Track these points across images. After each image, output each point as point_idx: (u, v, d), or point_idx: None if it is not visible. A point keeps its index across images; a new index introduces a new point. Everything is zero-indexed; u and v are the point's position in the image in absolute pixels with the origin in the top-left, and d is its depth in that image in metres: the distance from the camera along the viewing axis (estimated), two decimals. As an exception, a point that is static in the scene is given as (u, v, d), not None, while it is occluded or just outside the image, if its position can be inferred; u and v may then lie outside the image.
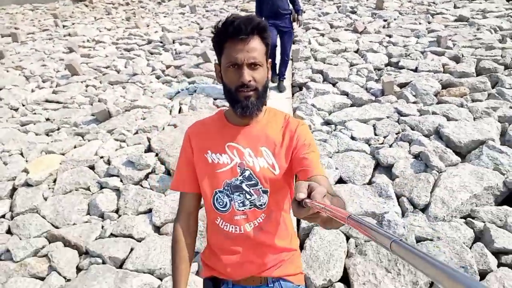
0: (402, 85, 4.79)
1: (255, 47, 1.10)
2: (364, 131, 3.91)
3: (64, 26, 10.80)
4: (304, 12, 8.21)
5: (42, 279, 2.73)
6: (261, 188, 1.18)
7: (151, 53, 7.37)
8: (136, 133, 4.40)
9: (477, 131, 3.53)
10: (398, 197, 3.00)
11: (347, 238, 2.66)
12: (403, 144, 3.58)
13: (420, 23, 7.25)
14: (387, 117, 4.11)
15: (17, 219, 3.26)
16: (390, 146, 3.62)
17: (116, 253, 2.77)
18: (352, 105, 4.56)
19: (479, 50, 5.53)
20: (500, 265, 2.35)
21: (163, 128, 4.46)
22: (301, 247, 2.62)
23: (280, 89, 5.30)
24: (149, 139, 4.18)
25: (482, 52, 5.43)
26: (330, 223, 0.87)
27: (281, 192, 1.24)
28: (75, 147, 4.29)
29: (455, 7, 8.23)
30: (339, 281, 2.40)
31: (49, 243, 3.00)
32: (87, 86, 6.08)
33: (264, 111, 1.26)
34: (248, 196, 1.19)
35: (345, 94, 4.78)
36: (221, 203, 1.21)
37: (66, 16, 12.31)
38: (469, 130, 3.55)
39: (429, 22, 7.31)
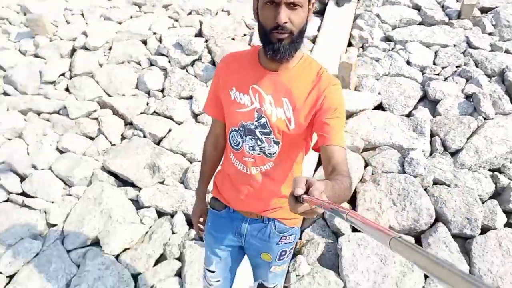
0: (484, 10, 4.23)
1: None
2: (423, 57, 3.65)
3: None
4: None
5: (92, 139, 3.14)
6: (273, 138, 1.17)
7: None
8: (190, 13, 4.37)
9: (546, 83, 3.21)
10: (432, 135, 2.96)
11: (366, 166, 2.76)
12: (459, 80, 3.36)
13: None
14: (454, 45, 3.77)
15: (75, 80, 3.60)
16: (445, 79, 3.41)
17: (156, 130, 3.07)
18: (420, 23, 4.17)
19: None
20: (506, 225, 2.41)
21: (216, 13, 4.38)
22: (318, 163, 2.77)
23: (339, 3, 4.37)
24: (201, 23, 4.16)
25: None
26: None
27: (295, 146, 1.23)
28: (131, 17, 4.39)
29: None
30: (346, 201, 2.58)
31: (100, 108, 3.34)
32: None
33: (299, 59, 1.16)
34: (259, 143, 1.19)
35: (417, 8, 4.32)
36: (234, 141, 1.23)
37: None
38: (538, 80, 3.23)
39: None
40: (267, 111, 1.15)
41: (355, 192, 2.62)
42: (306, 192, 0.71)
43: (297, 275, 2.18)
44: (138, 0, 4.63)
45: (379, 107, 3.26)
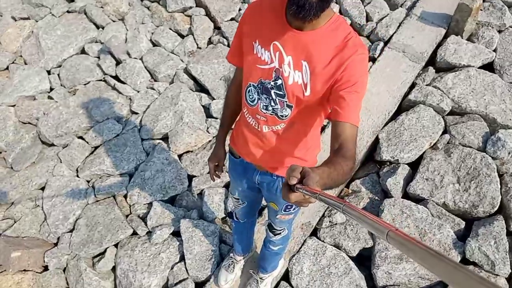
0: None
1: None
2: None
3: None
4: None
5: (182, 36, 3.26)
6: (286, 102, 1.15)
7: None
8: None
9: None
10: None
11: (444, 132, 2.54)
12: None
13: None
14: None
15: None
16: None
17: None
18: None
19: None
20: None
21: None
22: (394, 117, 2.61)
23: None
24: None
25: None
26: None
27: (308, 112, 1.20)
28: None
29: None
30: (407, 164, 2.48)
31: (196, 6, 3.37)
32: None
33: (328, 19, 1.06)
34: (272, 104, 1.18)
35: None
36: (251, 97, 1.23)
37: None
38: None
39: None
40: (284, 72, 1.12)
41: (420, 157, 2.48)
42: (301, 182, 0.71)
43: (330, 222, 2.28)
44: None
45: (489, 66, 2.81)
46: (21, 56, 3.24)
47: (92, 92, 2.96)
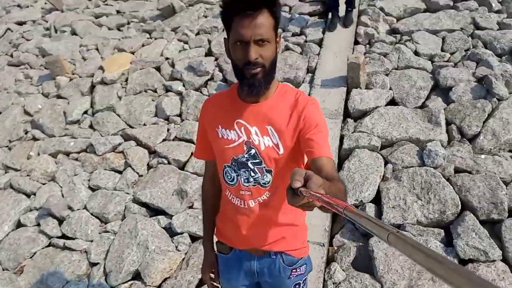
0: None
1: (263, 22, 1.05)
2: (431, 45, 3.66)
3: None
4: None
5: (120, 172, 3.30)
6: (264, 167, 1.20)
7: None
8: (198, 33, 4.52)
9: (561, 54, 3.16)
10: (448, 124, 2.98)
11: (386, 163, 2.81)
12: (469, 64, 3.35)
13: None
14: (461, 29, 3.75)
15: (97, 116, 3.80)
16: (455, 65, 3.41)
17: (179, 156, 3.21)
18: (425, 11, 4.16)
19: None
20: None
21: (223, 30, 4.50)
22: (339, 167, 2.84)
23: (345, 23, 4.15)
24: (209, 41, 4.30)
25: None
26: (326, 211, 0.89)
27: (288, 171, 1.19)
28: (143, 45, 4.57)
29: None
30: (370, 202, 2.64)
31: (124, 141, 3.51)
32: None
33: (275, 88, 1.23)
34: (252, 174, 1.21)
35: (420, -4, 4.31)
36: (229, 177, 1.26)
37: None
38: (551, 52, 3.19)
39: None
40: (255, 141, 1.20)
41: (378, 192, 2.67)
42: (305, 185, 0.71)
43: (334, 283, 2.25)
44: (148, 27, 4.81)
45: (392, 102, 3.29)
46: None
47: (42, 262, 2.74)
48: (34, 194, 3.23)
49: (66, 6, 5.76)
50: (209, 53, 4.20)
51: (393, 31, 4.03)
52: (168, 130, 3.52)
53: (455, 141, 2.85)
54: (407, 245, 0.43)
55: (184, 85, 3.86)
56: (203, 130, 1.33)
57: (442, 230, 2.40)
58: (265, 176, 1.22)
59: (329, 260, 2.43)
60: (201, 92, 3.78)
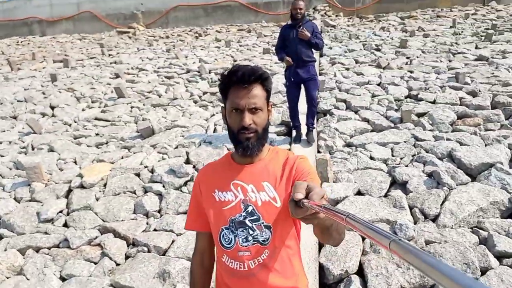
0: (419, 115, 5.17)
1: (256, 93, 1.19)
2: (382, 153, 4.29)
3: (109, 55, 11.83)
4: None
5: (95, 263, 3.16)
6: (263, 223, 1.23)
7: (189, 81, 8.08)
8: (176, 147, 4.93)
9: (487, 155, 3.85)
10: (411, 208, 3.33)
11: (363, 239, 3.00)
12: (418, 164, 3.94)
13: (441, 61, 7.68)
14: (404, 141, 4.49)
15: (73, 215, 3.76)
16: (406, 166, 3.98)
17: (160, 243, 3.20)
18: (372, 131, 4.97)
19: (496, 86, 5.88)
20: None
21: (200, 144, 4.97)
22: (320, 246, 2.98)
23: (308, 140, 4.83)
24: (187, 153, 4.69)
25: (498, 88, 5.78)
26: (328, 233, 0.95)
27: (285, 227, 1.27)
28: (122, 157, 4.85)
29: (476, 47, 8.64)
30: (355, 273, 2.73)
31: (101, 234, 3.45)
32: (132, 107, 6.76)
33: (268, 150, 1.34)
34: (251, 232, 1.23)
35: (366, 120, 5.19)
36: (226, 240, 1.26)
37: (111, 46, 13.47)
38: (480, 154, 3.88)
39: (450, 61, 7.73)
40: (251, 198, 1.24)
41: (361, 265, 2.79)
42: (307, 197, 0.73)
43: None
44: (127, 144, 5.17)
45: (359, 193, 3.66)
46: None
47: None
48: (-4, 288, 2.95)
49: (45, 130, 6.10)
50: (187, 162, 4.54)
51: (348, 145, 4.68)
52: (147, 223, 3.55)
53: (420, 221, 3.17)
54: (409, 253, 0.43)
55: (163, 186, 4.05)
56: (196, 200, 1.37)
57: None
58: (264, 233, 1.23)
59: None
60: (181, 191, 3.97)
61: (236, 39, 13.10)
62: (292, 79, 4.65)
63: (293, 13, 4.56)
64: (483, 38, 9.22)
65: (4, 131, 6.28)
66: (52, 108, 7.12)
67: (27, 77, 9.98)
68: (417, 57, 8.22)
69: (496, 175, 3.56)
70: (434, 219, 3.19)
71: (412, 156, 4.17)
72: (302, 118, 4.94)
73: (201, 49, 11.86)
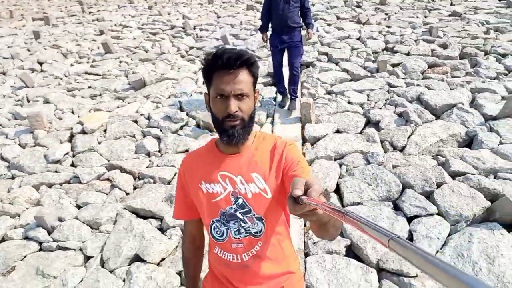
0: (394, 65, 5.61)
1: (243, 79, 1.13)
2: (359, 98, 4.74)
3: (90, 13, 11.68)
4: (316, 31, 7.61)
5: (106, 194, 3.56)
6: (254, 215, 1.20)
7: (174, 37, 8.23)
8: (169, 97, 5.25)
9: (451, 97, 4.35)
10: (382, 141, 3.83)
11: (340, 166, 3.49)
12: (390, 107, 4.41)
13: (417, 17, 8.05)
14: (379, 88, 4.94)
15: (79, 156, 4.11)
16: (380, 108, 4.44)
17: (164, 175, 3.61)
18: (351, 80, 5.39)
19: (465, 39, 6.33)
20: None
21: (191, 95, 5.31)
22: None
23: (289, 108, 4.77)
24: (180, 102, 5.03)
25: (467, 41, 6.24)
26: (324, 229, 0.93)
27: (276, 217, 1.25)
28: (118, 107, 5.14)
29: (451, 4, 9.02)
30: (333, 192, 3.23)
31: (108, 171, 3.83)
32: (120, 62, 6.94)
33: (254, 137, 1.28)
34: (242, 224, 1.21)
35: (346, 71, 5.60)
36: (218, 232, 1.24)
37: (90, 3, 13.21)
38: (444, 97, 4.37)
39: (425, 17, 8.12)
40: (241, 190, 1.21)
41: (338, 186, 3.29)
42: (305, 193, 0.72)
43: (313, 243, 2.68)
44: (121, 95, 5.45)
45: (337, 132, 4.13)
46: None
47: (35, 261, 2.81)
48: (19, 216, 3.33)
49: (37, 84, 6.27)
50: (181, 110, 4.88)
51: (329, 93, 5.10)
52: (150, 161, 3.94)
53: (389, 152, 3.67)
54: (407, 250, 0.44)
55: (161, 130, 4.41)
56: (182, 189, 1.32)
57: (391, 203, 3.03)
58: (256, 225, 1.22)
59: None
60: (178, 134, 4.35)
61: (218, -4, 13.06)
62: (278, 47, 4.62)
63: None
64: (457, -6, 9.61)
65: (-5, 86, 6.41)
66: (40, 64, 7.22)
67: (7, 35, 9.86)
68: (395, 13, 8.56)
69: (457, 113, 4.07)
70: (401, 150, 3.70)
71: (386, 100, 4.63)
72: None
73: (184, 6, 11.83)
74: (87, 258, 2.83)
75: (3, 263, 2.81)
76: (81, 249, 2.89)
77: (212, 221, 1.24)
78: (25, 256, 2.88)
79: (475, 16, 7.61)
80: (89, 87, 6.04)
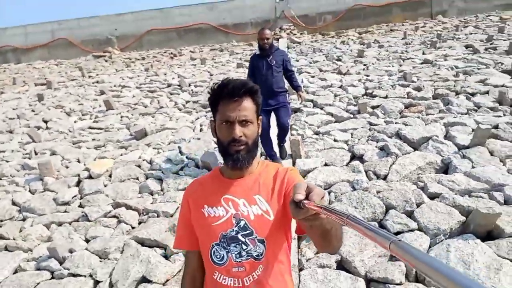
0: (374, 107, 6.15)
1: (247, 106, 1.20)
2: (344, 136, 5.19)
3: (89, 77, 12.45)
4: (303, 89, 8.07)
5: (113, 229, 3.82)
6: (256, 237, 1.20)
7: (171, 94, 8.85)
8: (169, 143, 5.66)
9: (426, 131, 4.80)
10: (366, 171, 4.20)
11: (329, 193, 3.82)
12: (372, 142, 4.84)
13: (393, 66, 8.82)
14: (361, 127, 5.41)
15: (87, 197, 4.41)
16: (363, 144, 4.87)
17: (167, 209, 3.90)
18: (335, 122, 5.88)
19: (437, 82, 6.98)
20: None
21: (190, 141, 5.72)
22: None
23: (282, 156, 4.84)
24: (179, 147, 5.42)
25: (439, 83, 6.88)
26: (327, 239, 0.94)
27: (278, 241, 1.25)
28: (121, 154, 5.52)
29: (423, 53, 9.88)
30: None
31: (114, 209, 4.11)
32: (121, 117, 7.44)
33: (257, 164, 1.32)
34: (244, 247, 1.20)
35: (330, 114, 6.11)
36: (218, 256, 1.23)
37: (89, 69, 14.07)
38: (420, 131, 4.83)
39: (400, 65, 8.88)
40: (243, 213, 1.22)
41: (327, 210, 3.60)
42: (307, 198, 0.73)
43: (306, 260, 2.94)
44: (123, 144, 5.85)
45: (325, 165, 4.50)
46: None
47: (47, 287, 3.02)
48: (31, 250, 3.55)
49: (44, 139, 6.67)
50: (181, 154, 5.27)
51: (316, 133, 5.56)
52: (153, 198, 4.24)
53: (373, 180, 4.03)
54: (408, 253, 0.44)
55: (162, 172, 4.76)
56: (185, 217, 1.33)
57: (376, 223, 3.34)
58: (257, 247, 1.21)
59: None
60: (178, 174, 4.69)
61: (210, 57, 14.03)
62: (264, 108, 4.23)
63: (260, 44, 4.41)
64: (429, 45, 10.53)
65: (3, 143, 6.80)
66: (45, 122, 7.68)
67: (11, 99, 10.44)
68: (373, 64, 9.35)
69: (433, 145, 4.50)
70: (384, 178, 4.06)
71: (368, 137, 5.08)
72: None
73: (178, 67, 12.69)
74: (97, 282, 3.04)
75: (18, 292, 3.00)
76: (91, 275, 3.10)
77: (212, 245, 1.24)
78: (38, 283, 3.08)
79: (445, 62, 8.36)
80: (93, 139, 6.45)
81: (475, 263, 2.71)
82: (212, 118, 1.28)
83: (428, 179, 3.88)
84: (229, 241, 1.21)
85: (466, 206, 3.24)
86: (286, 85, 4.78)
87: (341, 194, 3.76)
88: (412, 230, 3.11)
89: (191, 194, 1.34)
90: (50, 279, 3.16)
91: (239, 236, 1.20)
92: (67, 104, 8.89)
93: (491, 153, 4.21)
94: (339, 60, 10.41)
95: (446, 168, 4.16)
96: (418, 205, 3.42)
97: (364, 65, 9.34)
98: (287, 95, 4.71)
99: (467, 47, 9.92)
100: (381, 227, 3.23)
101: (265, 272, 1.22)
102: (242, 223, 1.21)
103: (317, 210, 0.68)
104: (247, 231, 1.20)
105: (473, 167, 3.98)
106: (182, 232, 1.35)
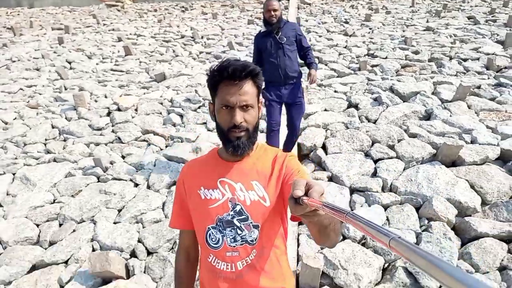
0: (373, 66, 6.75)
1: (248, 90, 1.14)
2: (343, 88, 5.84)
3: (104, 25, 12.85)
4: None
5: (145, 149, 4.56)
6: (251, 222, 1.19)
7: (185, 44, 9.36)
8: (187, 87, 6.31)
9: (416, 87, 5.46)
10: (359, 116, 4.89)
11: (326, 130, 4.54)
12: (367, 94, 5.50)
13: (396, 31, 9.30)
14: (360, 82, 6.05)
15: (118, 125, 5.12)
16: (360, 95, 5.54)
17: (189, 136, 4.62)
18: (337, 77, 6.51)
19: (435, 48, 7.53)
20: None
21: (205, 85, 6.37)
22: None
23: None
24: (196, 91, 6.08)
25: (436, 49, 7.43)
26: (325, 234, 0.97)
27: (273, 227, 1.25)
28: (144, 93, 6.19)
29: (427, 21, 10.32)
30: (321, 147, 4.25)
31: (143, 134, 4.83)
32: (140, 62, 8.03)
33: (256, 147, 1.29)
34: (239, 232, 1.19)
35: (333, 70, 6.73)
36: (213, 239, 1.22)
37: (103, 17, 14.41)
38: (411, 86, 5.48)
39: (403, 31, 9.36)
40: (240, 197, 1.21)
41: (324, 144, 4.32)
42: (306, 194, 0.73)
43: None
44: (145, 85, 6.50)
45: (325, 111, 5.20)
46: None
47: (96, 187, 3.77)
48: (76, 162, 4.30)
49: (71, 77, 7.30)
50: (198, 96, 5.94)
51: (319, 86, 6.20)
52: (176, 129, 4.96)
53: (365, 122, 4.73)
54: (408, 250, 0.44)
55: (183, 109, 5.45)
56: (180, 198, 1.33)
57: (363, 153, 4.07)
58: (252, 233, 1.21)
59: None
60: (196, 111, 5.38)
61: (221, 12, 14.35)
62: (277, 101, 3.71)
63: (266, 17, 3.59)
64: (433, 14, 10.94)
65: (33, 78, 7.44)
66: (69, 62, 8.28)
67: (31, 41, 10.93)
68: (378, 28, 9.82)
69: (420, 98, 5.17)
70: (374, 122, 4.76)
71: (365, 90, 5.73)
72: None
73: (190, 21, 13.07)
74: (136, 185, 3.80)
75: (72, 189, 3.77)
76: (131, 180, 3.86)
77: (208, 227, 1.22)
78: (88, 184, 3.85)
79: (446, 31, 8.85)
80: (116, 80, 7.08)
81: (437, 180, 3.44)
82: (211, 101, 1.24)
83: (411, 124, 4.58)
84: (225, 225, 1.20)
85: (438, 143, 3.96)
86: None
87: (336, 131, 4.47)
88: (391, 158, 3.85)
89: (187, 175, 1.32)
90: (97, 182, 3.92)
91: (235, 221, 1.20)
92: (87, 48, 9.43)
93: (469, 107, 4.89)
94: (347, 22, 10.84)
95: (428, 117, 4.84)
96: (399, 141, 4.14)
97: (370, 29, 9.81)
98: (301, 83, 3.92)
99: (469, 18, 10.35)
100: (366, 156, 3.97)
101: (259, 257, 1.22)
102: (238, 207, 1.20)
103: (316, 207, 0.68)
104: (243, 216, 1.20)
105: (450, 116, 4.68)
106: (177, 212, 1.34)
